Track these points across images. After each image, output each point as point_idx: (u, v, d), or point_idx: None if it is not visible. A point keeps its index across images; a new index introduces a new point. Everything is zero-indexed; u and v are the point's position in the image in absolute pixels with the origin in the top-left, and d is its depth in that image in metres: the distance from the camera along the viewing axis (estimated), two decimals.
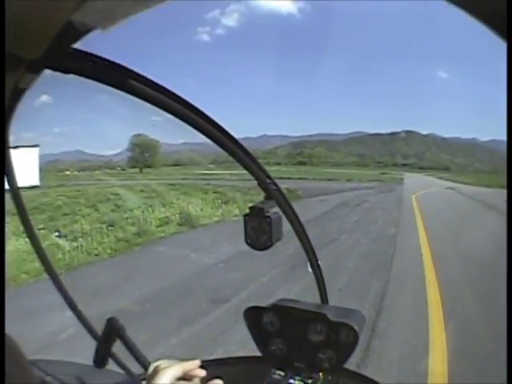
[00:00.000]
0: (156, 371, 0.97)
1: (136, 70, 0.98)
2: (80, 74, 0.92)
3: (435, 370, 4.77)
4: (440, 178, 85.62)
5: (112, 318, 1.57)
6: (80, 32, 0.77)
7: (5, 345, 0.76)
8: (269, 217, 1.44)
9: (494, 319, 6.26)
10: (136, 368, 1.71)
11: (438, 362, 5.00)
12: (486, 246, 11.72)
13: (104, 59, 0.94)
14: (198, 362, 1.04)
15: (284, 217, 1.59)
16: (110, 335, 1.57)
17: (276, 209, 1.51)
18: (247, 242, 1.50)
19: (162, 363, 1.00)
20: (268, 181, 1.51)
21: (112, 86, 0.99)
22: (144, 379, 1.31)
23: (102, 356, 1.60)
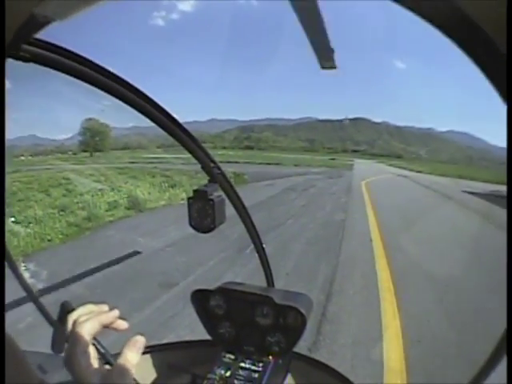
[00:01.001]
0: (74, 326, 0.94)
1: (88, 56, 1.10)
2: (38, 62, 1.01)
3: (390, 356, 4.78)
4: (391, 165, 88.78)
5: (66, 301, 1.38)
6: (40, 23, 0.83)
7: (5, 345, 0.74)
8: (212, 200, 1.51)
9: (448, 304, 6.41)
10: None
11: (392, 347, 5.01)
12: (440, 232, 12.11)
13: (60, 48, 1.04)
14: (116, 312, 1.02)
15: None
16: (65, 319, 1.34)
17: (220, 192, 1.60)
18: (191, 225, 1.56)
19: (80, 313, 1.00)
20: (212, 164, 1.62)
21: (67, 73, 1.09)
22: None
23: (59, 341, 1.42)
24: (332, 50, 0.89)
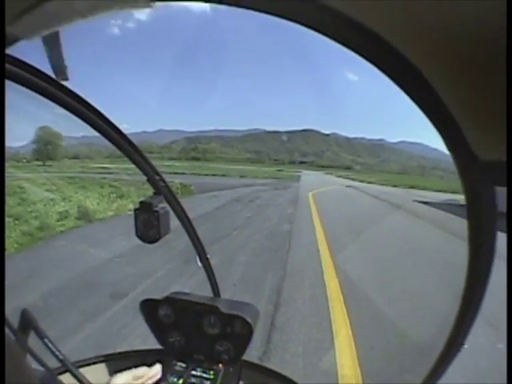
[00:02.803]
0: None
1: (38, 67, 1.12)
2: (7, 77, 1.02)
3: (343, 363, 4.84)
4: (340, 176, 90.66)
5: (25, 309, 1.60)
6: (10, 41, 0.88)
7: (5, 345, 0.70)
8: (157, 211, 1.57)
9: (399, 311, 6.60)
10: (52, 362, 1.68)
11: (344, 355, 5.06)
12: (390, 242, 12.50)
13: (18, 60, 1.06)
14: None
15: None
16: (24, 327, 1.59)
17: (164, 204, 1.67)
18: (137, 235, 1.61)
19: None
20: (157, 177, 1.66)
21: (23, 84, 1.09)
22: (59, 373, 1.66)
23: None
24: (66, 66, 1.05)
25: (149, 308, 2.04)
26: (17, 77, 1.07)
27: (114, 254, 9.94)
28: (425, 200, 29.35)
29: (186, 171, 56.62)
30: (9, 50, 0.96)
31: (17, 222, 14.49)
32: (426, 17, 0.56)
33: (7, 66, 1.03)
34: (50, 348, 1.63)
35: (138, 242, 1.61)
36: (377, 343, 5.39)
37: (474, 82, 0.62)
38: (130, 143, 1.53)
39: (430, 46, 0.61)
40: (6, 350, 0.69)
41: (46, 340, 1.62)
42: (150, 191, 1.68)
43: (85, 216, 16.30)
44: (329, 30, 0.64)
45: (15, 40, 0.89)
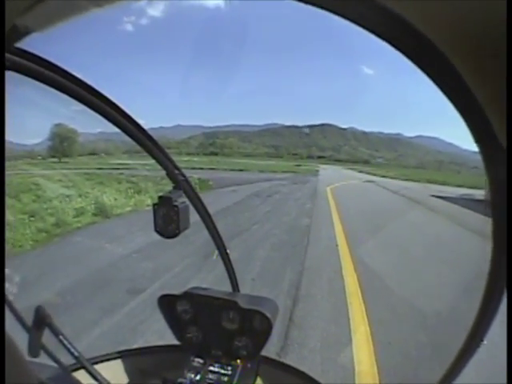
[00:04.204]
0: None
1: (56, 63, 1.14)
2: (16, 71, 1.02)
3: (360, 360, 4.81)
4: (358, 170, 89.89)
5: (39, 306, 1.61)
6: (21, 34, 0.89)
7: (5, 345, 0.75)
8: (176, 206, 1.55)
9: (416, 308, 6.51)
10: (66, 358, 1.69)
11: (362, 351, 5.03)
12: (408, 239, 12.34)
13: (33, 55, 1.08)
14: None
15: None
16: (39, 324, 1.60)
17: (184, 198, 1.64)
18: (156, 230, 1.60)
19: None
20: (176, 171, 1.66)
21: (39, 80, 1.10)
22: (74, 370, 1.70)
23: (34, 346, 1.59)
24: None
25: (167, 303, 2.04)
26: (32, 71, 1.07)
27: (131, 249, 9.98)
28: (443, 195, 28.88)
29: (204, 166, 56.45)
30: (23, 44, 0.98)
31: (32, 218, 14.64)
32: (453, 3, 0.56)
33: (21, 60, 1.03)
34: (64, 345, 1.65)
35: (156, 237, 1.60)
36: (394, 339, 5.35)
37: (502, 72, 0.60)
38: (149, 138, 1.53)
39: (457, 34, 0.61)
40: (6, 349, 0.75)
41: (60, 337, 1.64)
42: (168, 186, 1.67)
43: (102, 212, 16.43)
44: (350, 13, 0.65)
45: (27, 32, 0.90)
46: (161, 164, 1.61)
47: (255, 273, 8.04)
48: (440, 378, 1.23)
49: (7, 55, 0.95)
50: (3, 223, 1.05)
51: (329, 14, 0.65)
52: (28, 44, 1.01)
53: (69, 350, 1.66)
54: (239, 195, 23.04)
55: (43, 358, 1.66)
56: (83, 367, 1.72)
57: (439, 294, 7.16)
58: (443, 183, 50.91)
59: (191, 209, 1.70)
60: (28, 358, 1.51)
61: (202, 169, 48.85)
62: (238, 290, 2.27)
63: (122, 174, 31.28)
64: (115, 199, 19.29)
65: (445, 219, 17.38)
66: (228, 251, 2.16)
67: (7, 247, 10.77)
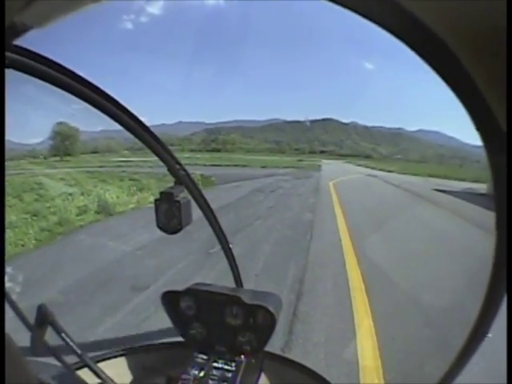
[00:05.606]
0: None
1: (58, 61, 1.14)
2: (16, 68, 1.04)
3: (364, 355, 4.80)
4: (360, 165, 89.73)
5: (42, 304, 1.60)
6: (20, 31, 0.88)
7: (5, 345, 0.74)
8: (178, 201, 1.57)
9: (420, 303, 6.49)
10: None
11: (366, 346, 5.03)
12: (412, 232, 12.32)
13: (34, 53, 1.08)
14: None
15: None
16: (41, 322, 1.59)
17: (186, 194, 1.66)
18: (158, 226, 1.62)
19: None
20: (177, 167, 1.67)
21: (41, 78, 1.12)
22: (77, 368, 1.69)
23: (36, 344, 1.59)
24: None
25: (170, 300, 2.04)
26: (31, 69, 1.08)
27: (134, 246, 10.01)
28: (445, 189, 28.81)
29: (206, 163, 56.48)
30: (21, 41, 0.96)
31: (34, 217, 14.70)
32: None
33: (20, 57, 1.03)
34: (67, 343, 1.65)
35: (159, 234, 1.61)
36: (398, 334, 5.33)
37: (500, 55, 0.60)
38: (152, 134, 1.54)
39: (455, 18, 0.60)
40: (6, 350, 0.74)
41: (63, 335, 1.64)
42: (170, 183, 1.68)
43: (104, 210, 16.42)
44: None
45: (25, 29, 0.89)
46: (163, 160, 1.62)
47: (259, 268, 8.04)
48: (443, 375, 1.22)
49: (6, 53, 0.96)
50: (3, 223, 1.05)
51: (329, 7, 0.65)
52: (27, 42, 1.00)
53: (71, 348, 1.66)
54: (242, 191, 23.06)
55: (46, 357, 1.66)
56: (86, 365, 1.72)
57: (444, 288, 7.12)
58: (445, 177, 50.71)
59: (194, 204, 1.70)
60: (31, 357, 1.50)
61: (204, 165, 48.88)
62: (242, 286, 2.32)
63: (124, 171, 31.49)
64: (118, 197, 19.45)
65: (448, 213, 17.31)
66: (231, 246, 2.18)
67: (9, 247, 10.96)
